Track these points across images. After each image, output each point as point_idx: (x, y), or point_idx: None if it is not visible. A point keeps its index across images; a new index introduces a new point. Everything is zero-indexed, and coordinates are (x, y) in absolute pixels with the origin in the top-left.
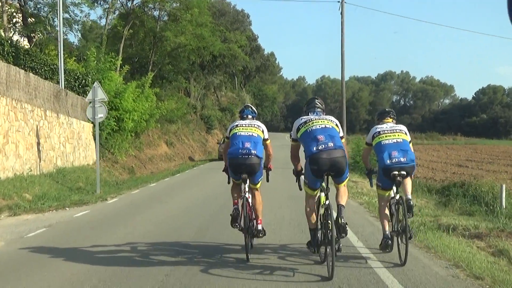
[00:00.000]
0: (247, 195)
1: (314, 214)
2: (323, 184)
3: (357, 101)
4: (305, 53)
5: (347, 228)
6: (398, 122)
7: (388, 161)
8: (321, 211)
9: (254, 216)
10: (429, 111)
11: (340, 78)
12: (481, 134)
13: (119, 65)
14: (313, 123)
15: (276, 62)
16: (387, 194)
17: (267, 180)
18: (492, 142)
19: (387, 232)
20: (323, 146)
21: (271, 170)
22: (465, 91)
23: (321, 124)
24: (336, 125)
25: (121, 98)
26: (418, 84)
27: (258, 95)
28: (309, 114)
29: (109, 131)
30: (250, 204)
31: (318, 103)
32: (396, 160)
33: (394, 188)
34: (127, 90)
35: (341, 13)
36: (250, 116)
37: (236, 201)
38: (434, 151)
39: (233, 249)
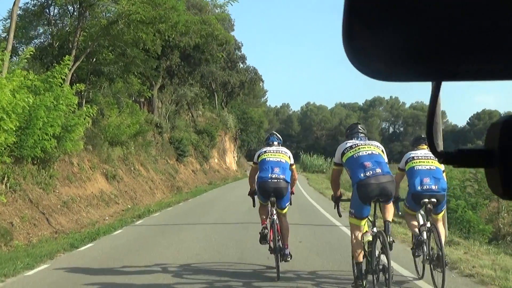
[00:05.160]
0: (274, 217)
1: (360, 247)
2: (371, 213)
3: (345, 128)
4: (289, 79)
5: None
6: (388, 150)
7: (419, 188)
8: (366, 238)
9: (282, 238)
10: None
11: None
12: None
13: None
14: (359, 148)
15: (261, 85)
16: (413, 214)
17: (290, 204)
18: None
19: (416, 231)
20: (371, 172)
21: (293, 194)
22: (457, 117)
23: (367, 150)
24: (382, 151)
25: None
26: (409, 110)
27: (242, 118)
28: (353, 139)
29: None
30: (278, 225)
31: (361, 128)
32: (427, 187)
33: (424, 214)
34: None
35: None
36: (275, 143)
37: (264, 221)
38: None
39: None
